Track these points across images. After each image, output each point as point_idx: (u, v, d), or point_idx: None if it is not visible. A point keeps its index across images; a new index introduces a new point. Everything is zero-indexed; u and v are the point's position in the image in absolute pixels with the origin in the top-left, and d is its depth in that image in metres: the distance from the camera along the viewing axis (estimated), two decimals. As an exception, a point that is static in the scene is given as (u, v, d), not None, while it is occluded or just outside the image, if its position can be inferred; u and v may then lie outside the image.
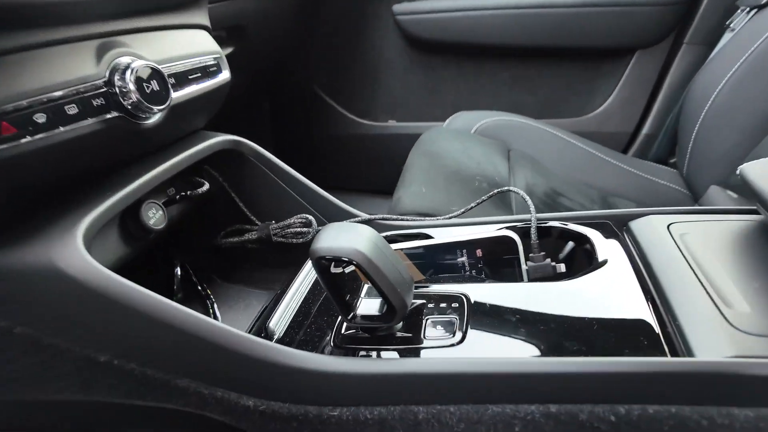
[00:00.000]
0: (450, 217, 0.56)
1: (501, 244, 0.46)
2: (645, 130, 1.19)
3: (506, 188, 0.52)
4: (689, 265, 0.38)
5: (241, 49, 0.89)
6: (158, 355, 0.36)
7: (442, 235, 0.53)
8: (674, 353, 0.33)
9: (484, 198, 0.55)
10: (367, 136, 1.37)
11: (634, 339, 0.34)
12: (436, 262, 0.48)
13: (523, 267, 0.45)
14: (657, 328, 0.35)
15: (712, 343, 0.31)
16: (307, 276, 0.51)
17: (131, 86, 0.39)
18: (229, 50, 0.86)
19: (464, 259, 0.47)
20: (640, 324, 0.35)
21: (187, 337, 0.35)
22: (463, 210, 0.56)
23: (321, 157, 1.46)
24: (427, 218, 0.56)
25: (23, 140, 0.33)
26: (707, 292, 0.36)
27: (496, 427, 0.33)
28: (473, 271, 0.47)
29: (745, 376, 0.29)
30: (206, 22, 0.53)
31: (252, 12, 0.91)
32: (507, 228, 0.48)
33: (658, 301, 0.37)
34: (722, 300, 0.35)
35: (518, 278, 0.46)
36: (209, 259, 0.63)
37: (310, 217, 0.56)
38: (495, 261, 0.46)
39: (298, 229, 0.56)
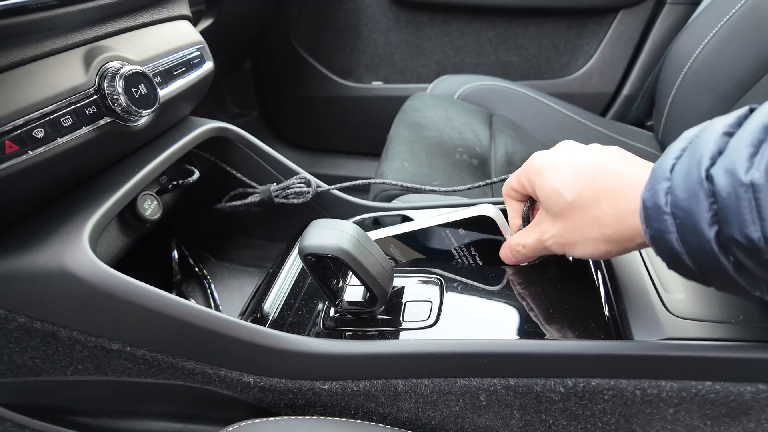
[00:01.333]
0: (431, 206, 0.59)
1: (480, 222, 0.49)
2: (625, 91, 1.21)
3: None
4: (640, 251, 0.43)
5: (220, 18, 0.88)
6: (165, 343, 0.41)
7: (421, 216, 0.57)
8: (618, 335, 0.38)
9: (470, 186, 0.57)
10: (353, 98, 1.37)
11: (584, 322, 0.39)
12: (428, 245, 0.51)
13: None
14: (606, 312, 0.40)
15: (648, 326, 0.36)
16: (297, 258, 0.55)
17: (120, 91, 0.41)
18: (209, 21, 0.85)
19: (454, 243, 0.50)
20: (591, 308, 0.40)
21: (190, 327, 0.39)
22: (443, 205, 0.58)
23: (306, 118, 1.46)
24: (407, 197, 0.60)
25: (25, 156, 0.36)
26: (651, 277, 0.41)
27: (464, 396, 0.39)
28: (467, 257, 0.50)
29: (672, 356, 0.34)
30: (187, 11, 0.54)
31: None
32: (486, 203, 0.50)
33: (609, 285, 0.42)
34: (663, 285, 0.40)
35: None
36: (202, 237, 0.66)
37: (309, 177, 0.59)
38: (484, 243, 0.49)
39: (298, 189, 0.58)
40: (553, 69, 1.26)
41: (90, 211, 0.41)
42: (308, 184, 0.58)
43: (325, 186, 0.60)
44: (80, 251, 0.38)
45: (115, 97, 0.41)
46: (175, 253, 0.59)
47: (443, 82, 1.10)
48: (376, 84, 1.37)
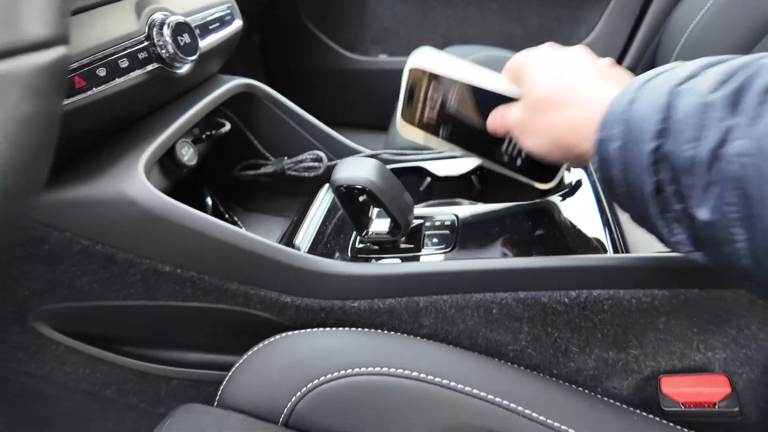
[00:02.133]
0: (443, 151, 0.64)
1: None
2: (626, 63, 1.24)
3: None
4: None
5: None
6: (212, 265, 0.46)
7: (438, 168, 0.61)
8: (615, 250, 0.43)
9: None
10: (359, 71, 1.40)
11: (586, 241, 0.44)
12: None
13: None
14: (606, 231, 0.45)
15: (643, 242, 0.41)
16: (321, 204, 0.60)
17: (168, 40, 0.45)
18: (226, -11, 0.88)
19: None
20: (594, 229, 0.45)
21: (236, 249, 0.44)
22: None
23: (313, 91, 1.49)
24: (423, 152, 0.64)
25: (89, 92, 0.40)
26: None
27: (479, 310, 0.44)
28: (513, 154, 0.47)
29: (663, 267, 0.39)
30: (217, -29, 0.57)
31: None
32: None
33: (607, 211, 0.47)
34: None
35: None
36: (229, 189, 0.71)
37: (321, 153, 0.63)
38: None
39: (310, 164, 0.63)
40: (556, 40, 1.28)
41: (141, 147, 0.46)
42: (319, 160, 0.63)
43: (336, 160, 0.64)
44: (138, 180, 0.42)
45: (162, 44, 0.45)
46: (209, 199, 0.64)
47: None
48: (383, 57, 1.40)
